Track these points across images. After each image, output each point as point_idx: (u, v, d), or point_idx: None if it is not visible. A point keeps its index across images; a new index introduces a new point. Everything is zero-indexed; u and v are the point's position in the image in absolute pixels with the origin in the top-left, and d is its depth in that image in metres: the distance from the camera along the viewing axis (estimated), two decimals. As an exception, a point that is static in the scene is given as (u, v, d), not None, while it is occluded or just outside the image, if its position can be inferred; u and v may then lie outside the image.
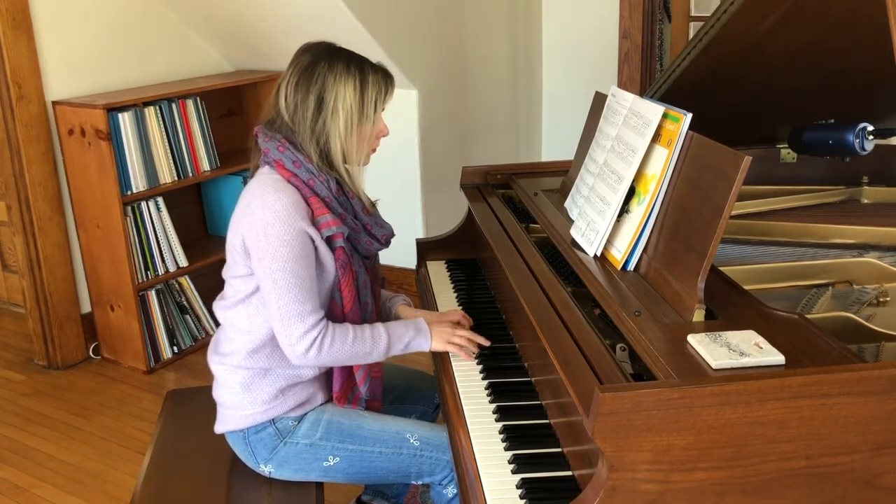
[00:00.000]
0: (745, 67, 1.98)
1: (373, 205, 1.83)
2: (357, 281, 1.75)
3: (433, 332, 1.76)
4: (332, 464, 1.74)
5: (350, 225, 1.73)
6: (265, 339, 1.72)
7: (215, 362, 1.80)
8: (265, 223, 1.62)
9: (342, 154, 1.70)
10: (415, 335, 1.75)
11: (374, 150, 1.80)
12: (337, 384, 1.77)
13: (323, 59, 1.69)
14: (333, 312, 1.74)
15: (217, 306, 1.80)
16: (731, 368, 1.16)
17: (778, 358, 1.18)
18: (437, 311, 2.00)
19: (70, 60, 3.23)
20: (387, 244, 1.85)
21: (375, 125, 1.74)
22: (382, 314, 1.97)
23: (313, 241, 1.66)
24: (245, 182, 3.55)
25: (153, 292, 3.31)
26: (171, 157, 3.30)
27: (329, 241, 1.69)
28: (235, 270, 1.73)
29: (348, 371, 1.77)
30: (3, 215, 3.53)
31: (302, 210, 1.65)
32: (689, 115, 1.46)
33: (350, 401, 1.80)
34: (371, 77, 1.70)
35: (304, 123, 1.68)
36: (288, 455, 1.74)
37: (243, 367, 1.74)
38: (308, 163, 1.68)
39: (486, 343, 1.78)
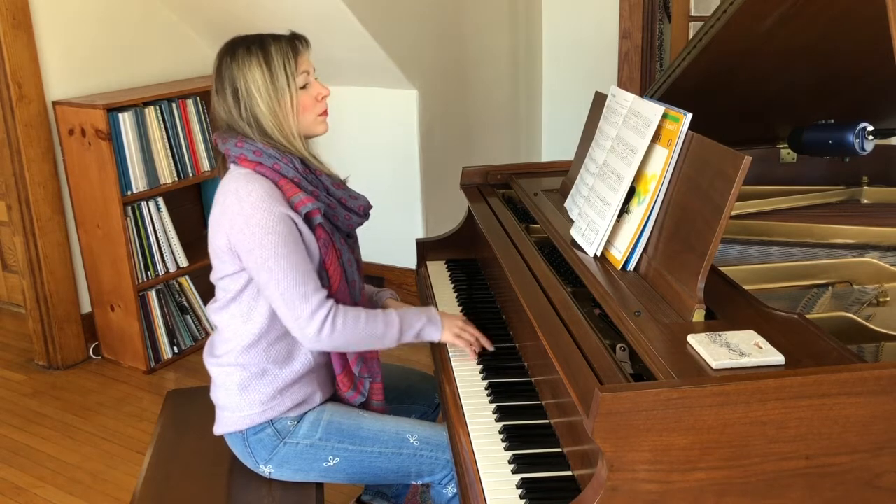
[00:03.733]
0: (745, 67, 1.98)
1: (342, 181, 1.82)
2: (341, 259, 1.75)
3: (444, 324, 1.76)
4: (332, 464, 1.74)
5: (324, 200, 1.72)
6: (259, 335, 1.72)
7: (212, 364, 1.80)
8: (245, 216, 1.62)
9: (278, 131, 1.70)
10: (427, 323, 1.75)
11: (324, 115, 1.77)
12: (337, 367, 1.77)
13: (225, 54, 1.72)
14: None
15: (210, 310, 1.80)
16: (731, 368, 1.16)
17: (778, 358, 1.18)
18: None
19: (70, 60, 3.23)
20: (366, 216, 1.84)
21: (302, 93, 1.71)
22: (371, 306, 1.96)
23: (295, 224, 1.66)
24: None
25: (153, 292, 3.31)
26: (171, 157, 3.30)
27: (308, 220, 1.69)
28: (222, 271, 1.72)
29: (342, 354, 1.76)
30: (3, 215, 3.52)
31: (276, 195, 1.65)
32: (689, 115, 1.46)
33: (355, 385, 1.79)
34: (273, 48, 1.69)
35: (234, 118, 1.70)
36: (288, 455, 1.74)
37: (239, 365, 1.74)
38: (267, 148, 1.68)
39: (491, 347, 1.78)
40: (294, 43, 1.72)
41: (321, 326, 1.64)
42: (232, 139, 1.70)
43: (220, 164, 1.79)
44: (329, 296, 1.70)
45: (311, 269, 1.67)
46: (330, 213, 1.74)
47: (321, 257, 1.71)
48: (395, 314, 1.72)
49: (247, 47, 1.69)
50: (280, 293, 1.63)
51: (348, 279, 1.76)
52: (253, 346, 1.72)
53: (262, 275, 1.63)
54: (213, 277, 1.77)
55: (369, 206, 1.85)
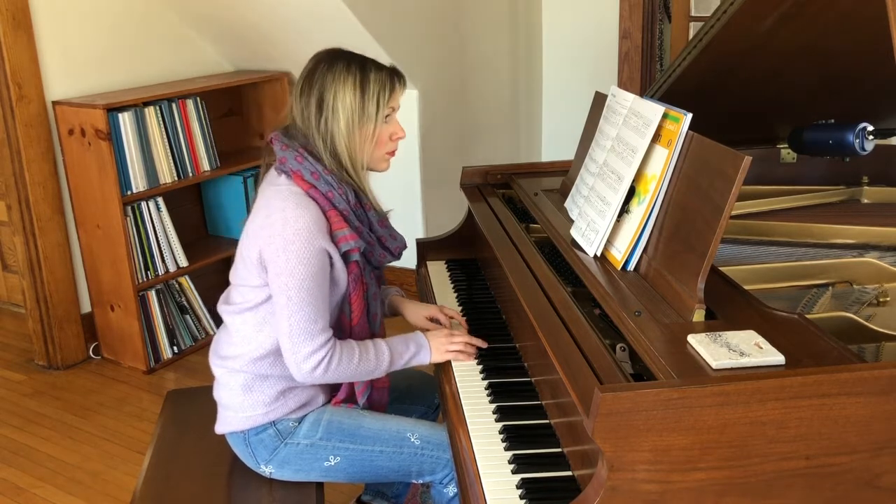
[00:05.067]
0: (745, 67, 1.98)
1: (386, 216, 1.82)
2: (367, 293, 1.76)
3: (432, 346, 1.76)
4: (332, 464, 1.74)
5: (366, 238, 1.73)
6: (270, 348, 1.71)
7: (216, 364, 1.79)
8: (286, 240, 1.60)
9: (348, 155, 1.69)
10: (416, 351, 1.75)
11: (391, 154, 1.77)
12: (342, 394, 1.78)
13: (324, 61, 1.70)
14: (341, 324, 1.74)
15: (222, 309, 1.79)
16: (731, 368, 1.16)
17: (778, 358, 1.18)
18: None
19: (70, 60, 3.23)
20: (399, 256, 1.85)
21: (383, 126, 1.71)
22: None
23: (330, 257, 1.66)
24: (246, 182, 3.58)
25: (153, 292, 3.30)
26: (171, 157, 3.30)
27: (344, 255, 1.69)
28: (247, 279, 1.71)
29: (351, 389, 1.79)
30: (3, 215, 3.52)
31: (322, 226, 1.64)
32: (689, 115, 1.46)
33: (348, 402, 1.80)
34: (373, 75, 1.68)
35: (311, 125, 1.68)
36: (288, 455, 1.74)
37: (245, 371, 1.74)
38: (326, 174, 1.66)
39: (483, 345, 1.78)
40: (393, 77, 1.71)
41: (315, 366, 1.64)
42: (292, 150, 1.68)
43: (265, 158, 1.76)
44: (343, 327, 1.72)
45: (327, 306, 1.67)
46: (367, 249, 1.75)
47: (347, 291, 1.71)
48: (385, 348, 1.73)
49: (347, 64, 1.68)
50: (290, 324, 1.62)
51: (370, 312, 1.77)
52: (262, 358, 1.72)
53: (280, 299, 1.63)
54: (234, 279, 1.77)
55: (404, 248, 1.85)
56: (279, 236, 1.61)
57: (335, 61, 1.69)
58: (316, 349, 1.63)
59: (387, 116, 1.71)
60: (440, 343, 1.77)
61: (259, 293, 1.70)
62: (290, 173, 1.67)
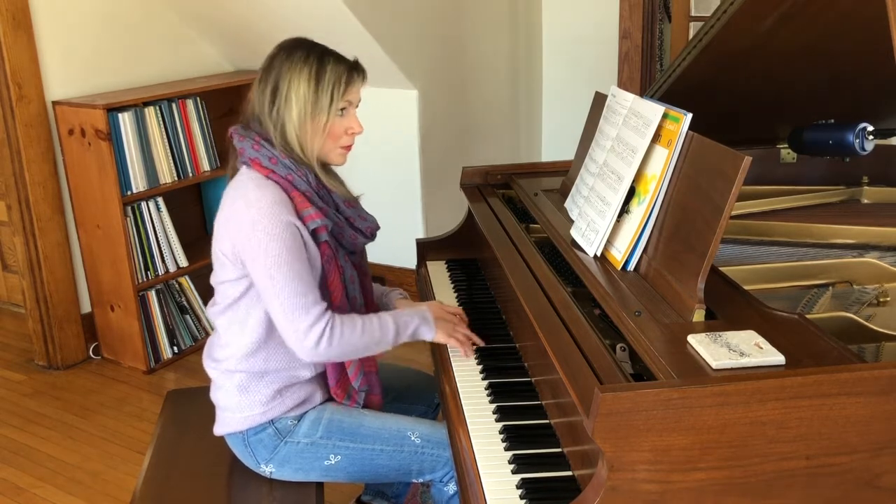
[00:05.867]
0: (745, 68, 1.98)
1: (355, 199, 1.81)
2: (343, 276, 1.74)
3: (437, 324, 1.76)
4: (333, 463, 1.74)
5: (332, 218, 1.71)
6: (259, 342, 1.71)
7: (211, 367, 1.79)
8: (252, 221, 1.60)
9: (299, 145, 1.68)
10: (420, 323, 1.75)
11: (347, 149, 1.76)
12: (332, 380, 1.77)
13: (284, 50, 1.69)
14: None
15: (210, 312, 1.80)
16: (732, 368, 1.16)
17: (778, 358, 1.18)
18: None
19: (70, 60, 3.23)
20: (372, 237, 1.83)
21: (338, 119, 1.69)
22: (380, 309, 1.96)
23: (301, 235, 1.65)
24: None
25: (153, 292, 3.31)
26: (171, 157, 3.30)
27: (314, 235, 1.68)
28: (223, 275, 1.71)
29: (340, 367, 1.77)
30: (3, 215, 3.52)
31: (286, 204, 1.63)
32: (689, 115, 1.46)
33: (349, 395, 1.79)
34: (330, 67, 1.67)
35: (265, 112, 1.68)
36: (288, 455, 1.74)
37: (239, 370, 1.74)
38: (284, 158, 1.66)
39: (482, 343, 1.79)
40: (352, 71, 1.70)
41: (319, 339, 1.62)
42: (249, 139, 1.68)
43: (232, 161, 1.76)
44: (328, 308, 1.70)
45: (313, 280, 1.66)
46: (336, 231, 1.73)
47: (324, 273, 1.70)
48: (389, 318, 1.72)
49: (306, 54, 1.67)
50: (280, 303, 1.61)
51: (349, 296, 1.76)
52: (253, 354, 1.72)
53: (264, 282, 1.62)
54: (213, 281, 1.77)
55: (377, 228, 1.84)
56: (246, 220, 1.61)
57: (295, 51, 1.68)
58: (314, 321, 1.62)
59: (342, 110, 1.69)
60: (446, 324, 1.77)
61: (237, 286, 1.69)
62: (249, 162, 1.67)
